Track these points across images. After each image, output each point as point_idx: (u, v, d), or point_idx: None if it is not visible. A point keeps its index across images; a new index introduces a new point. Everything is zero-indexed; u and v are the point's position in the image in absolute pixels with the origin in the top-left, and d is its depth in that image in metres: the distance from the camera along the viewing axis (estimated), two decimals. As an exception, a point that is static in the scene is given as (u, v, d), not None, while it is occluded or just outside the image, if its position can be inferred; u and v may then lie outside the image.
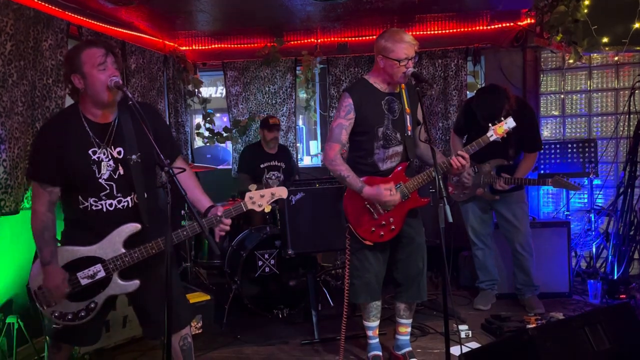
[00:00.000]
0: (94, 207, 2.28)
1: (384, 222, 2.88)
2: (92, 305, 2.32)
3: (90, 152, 2.25)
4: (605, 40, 3.96)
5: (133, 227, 2.31)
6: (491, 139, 2.79)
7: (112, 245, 2.30)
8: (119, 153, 2.29)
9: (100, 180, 2.26)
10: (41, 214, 2.25)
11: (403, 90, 2.93)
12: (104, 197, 2.28)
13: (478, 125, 3.52)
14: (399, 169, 2.92)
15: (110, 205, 2.29)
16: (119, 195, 2.30)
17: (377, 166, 2.92)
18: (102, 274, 2.29)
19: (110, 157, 2.28)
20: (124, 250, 2.30)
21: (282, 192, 2.43)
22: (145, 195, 2.34)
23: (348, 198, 2.93)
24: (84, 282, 2.29)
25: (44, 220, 2.25)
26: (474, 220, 4.19)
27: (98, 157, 2.26)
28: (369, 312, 3.11)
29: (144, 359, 3.39)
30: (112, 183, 2.28)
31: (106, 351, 3.38)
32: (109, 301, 2.38)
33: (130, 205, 2.32)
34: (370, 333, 3.19)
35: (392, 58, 2.78)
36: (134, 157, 2.29)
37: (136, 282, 2.34)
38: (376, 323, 3.16)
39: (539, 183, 4.06)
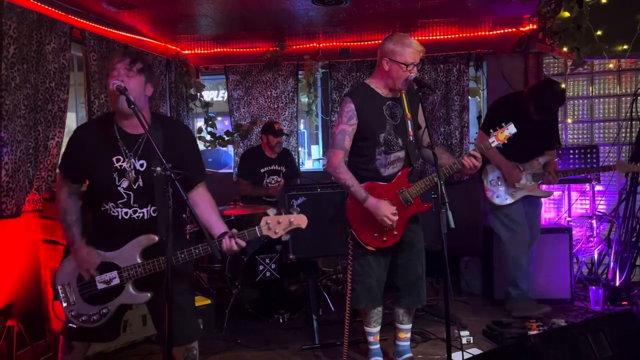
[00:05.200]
0: (112, 213, 2.32)
1: (386, 228, 2.88)
2: (104, 311, 2.34)
3: (114, 159, 2.29)
4: (607, 46, 3.96)
5: (151, 238, 2.31)
6: (493, 144, 2.78)
7: (129, 254, 2.32)
8: (141, 165, 2.31)
9: (119, 188, 2.30)
10: (62, 201, 2.38)
11: (403, 95, 2.93)
12: (120, 205, 2.31)
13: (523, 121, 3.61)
14: (401, 174, 2.91)
15: (126, 214, 2.32)
16: (135, 205, 2.32)
17: (379, 172, 2.91)
18: (116, 281, 2.31)
19: (132, 168, 2.30)
20: (139, 261, 2.31)
21: (301, 222, 2.29)
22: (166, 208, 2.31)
23: (351, 203, 2.91)
24: (100, 286, 2.32)
25: (64, 206, 2.37)
26: (524, 224, 3.94)
27: (120, 166, 2.29)
28: (370, 317, 3.10)
29: (144, 363, 3.39)
30: (130, 193, 2.31)
31: (106, 355, 3.37)
32: (122, 308, 2.41)
33: (145, 217, 2.34)
34: (371, 339, 3.17)
35: (399, 62, 2.77)
36: (158, 169, 2.26)
37: (147, 295, 2.35)
38: (377, 329, 3.15)
39: (604, 169, 4.01)
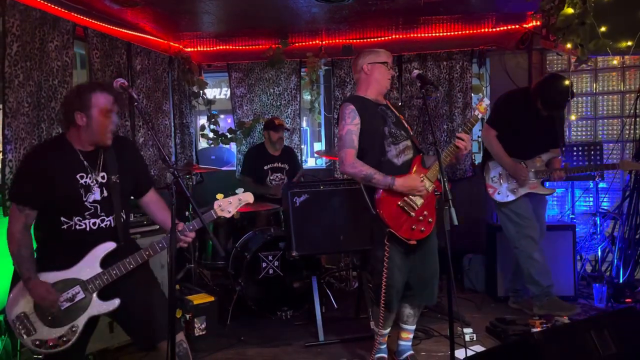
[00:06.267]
0: (77, 227, 2.34)
1: (421, 217, 2.87)
2: (74, 329, 2.33)
3: (78, 176, 2.34)
4: (611, 42, 3.94)
5: (109, 245, 2.37)
6: (479, 117, 2.84)
7: (90, 265, 2.34)
8: (102, 177, 2.40)
9: (85, 202, 2.35)
10: (17, 235, 2.29)
11: (389, 104, 3.08)
12: (88, 217, 2.35)
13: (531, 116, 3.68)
14: (415, 162, 2.93)
15: (94, 224, 2.37)
16: (102, 214, 2.38)
17: (393, 163, 2.91)
18: (81, 295, 2.32)
19: (95, 182, 2.37)
20: (101, 270, 2.34)
21: (248, 198, 2.53)
22: (123, 215, 2.46)
23: (380, 204, 2.86)
24: (63, 305, 2.30)
25: (20, 240, 2.29)
26: (532, 218, 3.90)
27: (85, 182, 2.35)
28: (390, 320, 3.07)
29: (148, 360, 3.40)
30: (96, 205, 2.37)
31: (109, 352, 3.38)
32: (91, 322, 2.39)
33: (112, 225, 2.41)
34: (380, 339, 3.16)
35: (379, 61, 3.00)
36: (113, 177, 2.42)
37: (115, 302, 2.37)
38: (388, 330, 3.15)
39: (607, 167, 4.00)
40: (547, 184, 4.08)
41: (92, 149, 2.39)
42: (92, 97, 2.28)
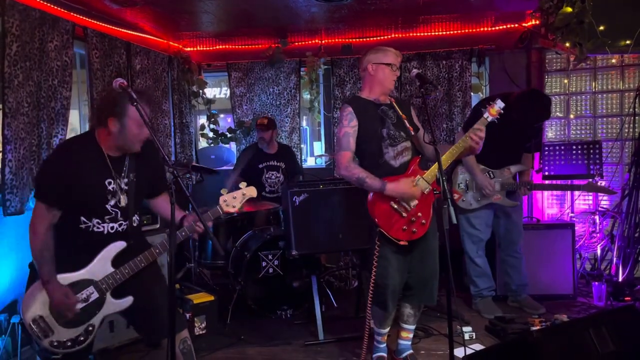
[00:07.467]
0: (95, 229, 2.36)
1: (413, 218, 2.86)
2: (90, 328, 2.36)
3: (106, 182, 2.36)
4: (610, 41, 3.95)
5: (120, 245, 2.39)
6: (488, 119, 2.75)
7: (101, 265, 2.36)
8: (125, 184, 2.41)
9: (107, 206, 2.37)
10: (42, 234, 2.28)
11: (393, 102, 3.06)
12: (107, 220, 2.38)
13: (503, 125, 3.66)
14: (412, 163, 2.93)
15: (112, 228, 2.39)
16: (121, 219, 2.41)
17: (390, 165, 2.92)
18: (95, 295, 2.34)
19: (119, 188, 2.39)
20: (113, 269, 2.36)
21: (251, 192, 2.56)
22: (137, 217, 2.49)
23: (372, 203, 2.87)
24: (78, 306, 2.32)
25: (44, 240, 2.28)
26: (484, 229, 4.04)
27: (112, 188, 2.37)
28: (387, 319, 3.08)
29: (148, 359, 3.40)
30: (117, 210, 2.39)
31: (110, 351, 3.39)
32: (104, 320, 2.43)
33: (127, 229, 2.44)
34: (379, 338, 3.17)
35: (384, 62, 2.97)
36: (130, 175, 2.43)
37: (129, 299, 2.40)
38: (388, 329, 3.15)
39: (572, 188, 4.03)
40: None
41: (118, 154, 2.40)
42: (129, 106, 2.24)
